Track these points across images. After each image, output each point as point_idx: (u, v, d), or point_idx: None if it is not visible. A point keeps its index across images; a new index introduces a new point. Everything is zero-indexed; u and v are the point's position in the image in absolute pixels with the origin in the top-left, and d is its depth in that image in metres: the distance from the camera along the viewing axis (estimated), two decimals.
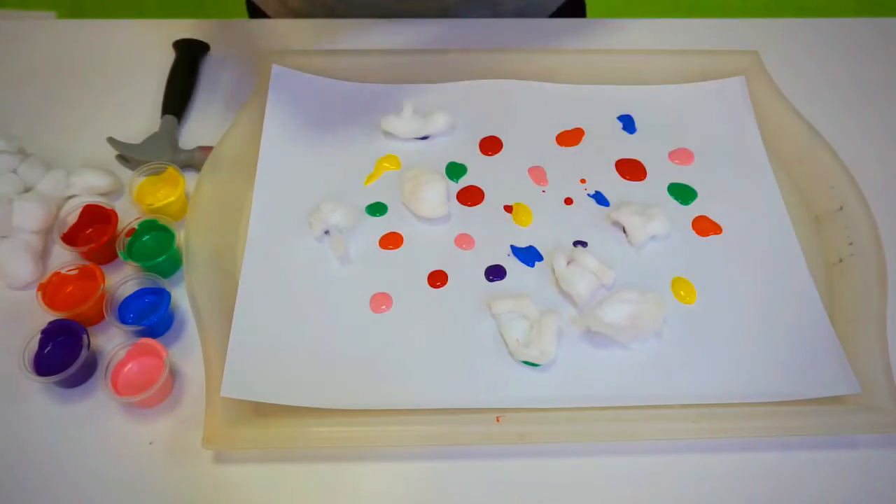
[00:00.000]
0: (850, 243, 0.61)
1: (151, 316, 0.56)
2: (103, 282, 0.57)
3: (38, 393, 0.55)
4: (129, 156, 0.66)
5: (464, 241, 0.62)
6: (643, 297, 0.57)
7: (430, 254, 0.61)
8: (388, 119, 0.67)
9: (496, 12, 0.80)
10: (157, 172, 0.64)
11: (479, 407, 0.53)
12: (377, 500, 0.52)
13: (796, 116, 0.69)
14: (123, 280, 0.58)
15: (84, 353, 0.53)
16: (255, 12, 0.89)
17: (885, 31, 0.81)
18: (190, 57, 0.74)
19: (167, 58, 0.74)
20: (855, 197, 0.63)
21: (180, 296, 0.59)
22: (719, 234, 0.63)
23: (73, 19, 0.82)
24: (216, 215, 0.61)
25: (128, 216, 0.61)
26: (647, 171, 0.67)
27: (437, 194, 0.62)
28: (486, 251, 0.61)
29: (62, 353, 0.54)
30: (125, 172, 0.67)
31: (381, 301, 0.58)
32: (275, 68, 0.70)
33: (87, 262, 0.58)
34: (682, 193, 0.66)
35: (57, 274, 0.58)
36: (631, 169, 0.67)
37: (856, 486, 0.53)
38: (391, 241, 0.62)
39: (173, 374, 0.56)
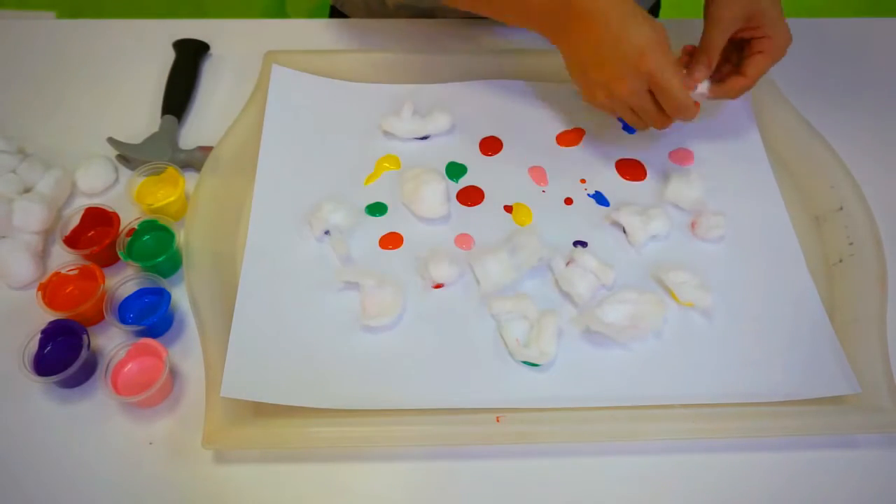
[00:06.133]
0: (850, 243, 0.61)
1: (151, 316, 0.56)
2: (103, 282, 0.57)
3: (38, 393, 0.55)
4: (129, 156, 0.66)
5: (464, 241, 0.62)
6: (643, 297, 0.57)
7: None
8: (388, 119, 0.67)
9: None
10: (157, 172, 0.64)
11: (479, 407, 0.53)
12: (377, 500, 0.52)
13: (796, 116, 0.69)
14: (123, 280, 0.58)
15: (84, 353, 0.53)
16: (335, 13, 0.88)
17: (885, 31, 0.81)
18: (190, 57, 0.74)
19: (167, 58, 0.74)
20: (855, 197, 0.63)
21: (180, 296, 0.59)
22: (720, 234, 0.63)
23: (73, 19, 0.82)
24: (216, 215, 0.61)
25: (128, 216, 0.61)
26: (647, 171, 0.67)
27: (437, 194, 0.62)
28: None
29: (62, 353, 0.54)
30: (125, 172, 0.67)
31: None
32: (275, 68, 0.70)
33: (87, 262, 0.58)
34: None
35: (57, 274, 0.58)
36: (631, 169, 0.67)
37: (856, 486, 0.53)
38: (391, 241, 0.62)
39: (173, 374, 0.56)
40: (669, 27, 0.58)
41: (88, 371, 0.55)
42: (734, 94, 0.62)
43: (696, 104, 0.59)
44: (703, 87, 0.61)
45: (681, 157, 0.68)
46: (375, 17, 0.81)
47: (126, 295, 0.58)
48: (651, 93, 0.58)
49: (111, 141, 0.66)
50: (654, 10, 0.91)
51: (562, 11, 0.57)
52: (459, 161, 0.67)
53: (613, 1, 0.56)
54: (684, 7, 0.88)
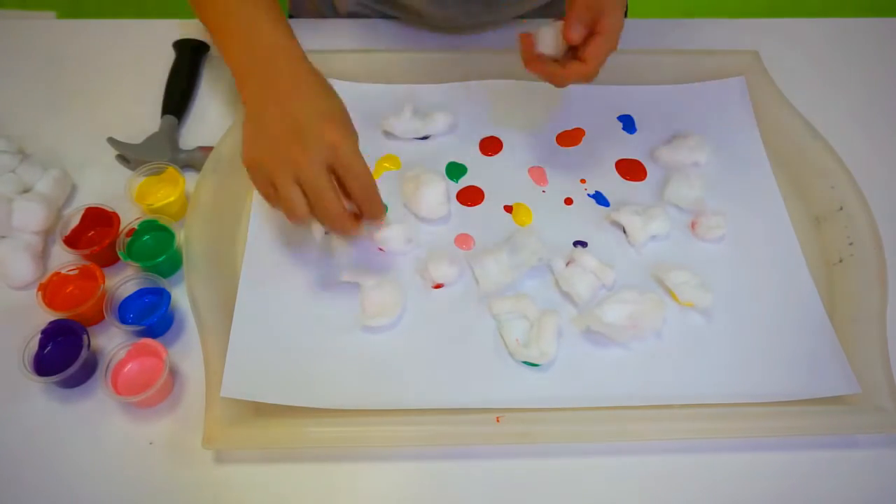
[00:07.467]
0: (850, 243, 0.61)
1: (151, 316, 0.56)
2: (103, 282, 0.57)
3: (38, 393, 0.55)
4: (129, 156, 0.66)
5: (464, 241, 0.62)
6: (643, 297, 0.57)
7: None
8: (388, 119, 0.67)
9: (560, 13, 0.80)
10: (157, 172, 0.64)
11: (479, 407, 0.52)
12: (377, 500, 0.52)
13: (796, 116, 0.69)
14: (123, 280, 0.58)
15: (84, 353, 0.53)
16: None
17: (885, 31, 0.81)
18: (190, 57, 0.74)
19: (167, 58, 0.74)
20: (855, 197, 0.63)
21: (180, 296, 0.59)
22: (720, 234, 0.63)
23: (73, 19, 0.82)
24: (216, 215, 0.61)
25: (128, 216, 0.61)
26: (647, 171, 0.67)
27: (437, 194, 0.62)
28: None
29: (62, 353, 0.54)
30: (125, 172, 0.67)
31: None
32: None
33: (87, 262, 0.58)
34: None
35: (57, 274, 0.58)
36: (631, 169, 0.67)
37: (856, 486, 0.53)
38: None
39: (173, 374, 0.56)
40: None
41: (88, 371, 0.55)
42: (566, 80, 0.56)
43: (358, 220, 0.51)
44: (548, 40, 0.55)
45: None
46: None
47: (126, 295, 0.58)
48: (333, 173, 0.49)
49: (111, 141, 0.66)
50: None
51: (260, 56, 0.51)
52: (459, 161, 0.67)
53: (316, 73, 0.51)
54: (652, 8, 0.87)
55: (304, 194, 0.48)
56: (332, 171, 0.48)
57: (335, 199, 0.48)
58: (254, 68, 0.52)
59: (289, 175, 0.48)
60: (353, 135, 0.49)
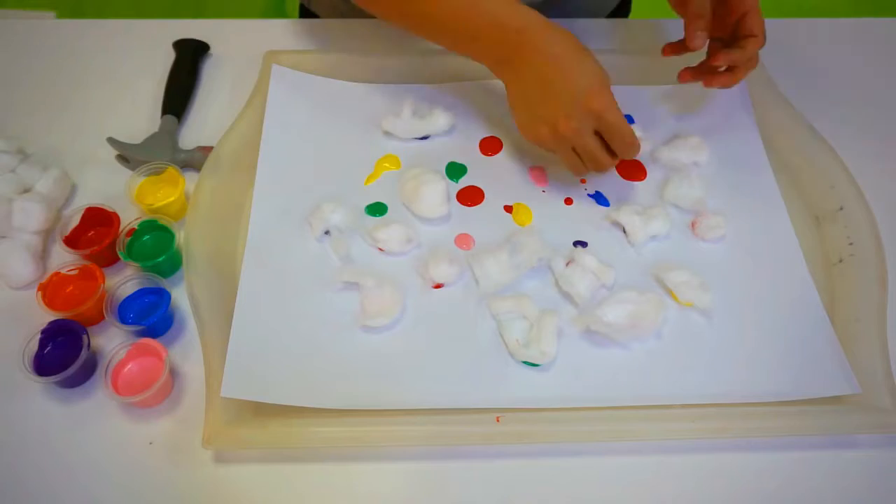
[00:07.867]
0: (850, 243, 0.61)
1: (151, 316, 0.56)
2: (103, 282, 0.57)
3: (38, 393, 0.55)
4: (129, 156, 0.66)
5: (464, 241, 0.62)
6: (643, 297, 0.57)
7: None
8: (388, 119, 0.67)
9: (563, 13, 0.80)
10: (157, 172, 0.64)
11: (479, 407, 0.52)
12: (377, 500, 0.52)
13: (796, 116, 0.69)
14: (123, 280, 0.58)
15: (84, 353, 0.53)
16: (306, 13, 0.88)
17: (885, 31, 0.81)
18: (190, 57, 0.74)
19: (167, 58, 0.74)
20: (855, 197, 0.63)
21: (180, 296, 0.59)
22: (720, 234, 0.63)
23: (73, 19, 0.82)
24: (216, 215, 0.61)
25: (128, 216, 0.61)
26: (647, 171, 0.67)
27: (437, 194, 0.62)
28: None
29: (62, 353, 0.54)
30: (125, 172, 0.67)
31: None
32: (275, 68, 0.70)
33: (87, 262, 0.58)
34: None
35: (57, 274, 0.58)
36: (631, 169, 0.67)
37: (856, 486, 0.53)
38: None
39: (173, 374, 0.56)
40: (596, 28, 0.57)
41: (88, 371, 0.55)
42: (738, 78, 0.62)
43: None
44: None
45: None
46: (344, 16, 0.81)
47: (126, 295, 0.58)
48: (597, 134, 0.57)
49: (111, 141, 0.66)
50: (625, 9, 0.91)
51: (511, 43, 0.56)
52: (459, 161, 0.67)
53: (566, 39, 0.56)
54: (655, 7, 0.88)
55: (579, 155, 0.59)
56: (599, 132, 0.58)
57: (605, 156, 0.59)
58: (507, 53, 0.58)
59: (567, 147, 0.59)
60: (610, 97, 0.56)
